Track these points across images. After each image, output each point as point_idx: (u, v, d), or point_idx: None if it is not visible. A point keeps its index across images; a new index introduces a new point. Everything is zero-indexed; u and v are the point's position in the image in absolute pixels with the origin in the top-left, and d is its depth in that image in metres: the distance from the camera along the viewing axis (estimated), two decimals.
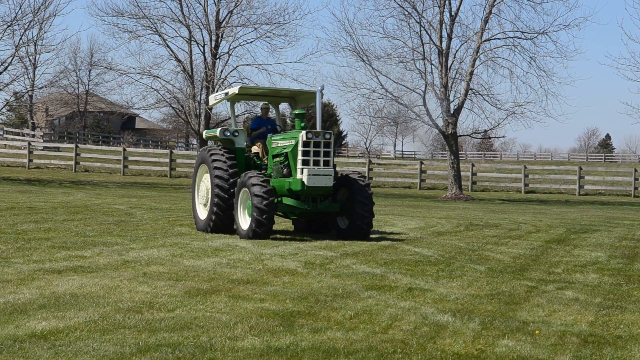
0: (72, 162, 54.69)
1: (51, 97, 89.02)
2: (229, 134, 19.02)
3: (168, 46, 44.15)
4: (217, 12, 44.25)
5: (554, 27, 44.63)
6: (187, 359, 7.36)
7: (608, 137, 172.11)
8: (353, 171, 19.23)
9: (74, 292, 10.26)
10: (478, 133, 49.68)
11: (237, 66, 44.52)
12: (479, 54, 43.89)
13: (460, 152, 63.10)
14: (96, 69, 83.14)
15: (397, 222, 23.60)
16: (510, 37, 44.46)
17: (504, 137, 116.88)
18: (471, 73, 43.97)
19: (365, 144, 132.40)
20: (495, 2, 43.54)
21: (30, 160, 54.04)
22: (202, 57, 44.42)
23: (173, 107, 47.57)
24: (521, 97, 66.19)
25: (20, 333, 8.04)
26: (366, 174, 51.78)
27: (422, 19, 43.80)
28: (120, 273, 11.95)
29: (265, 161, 19.20)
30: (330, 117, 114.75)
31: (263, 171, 18.62)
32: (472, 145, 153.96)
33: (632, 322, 9.63)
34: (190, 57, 44.39)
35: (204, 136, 20.77)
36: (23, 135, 69.54)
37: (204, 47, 44.38)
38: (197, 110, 44.76)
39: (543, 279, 12.88)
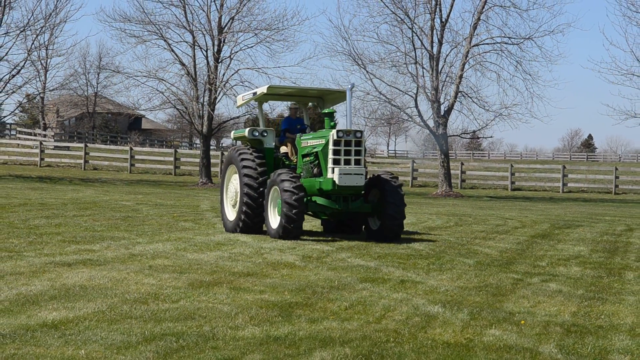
0: (82, 161, 54.67)
1: (62, 99, 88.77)
2: (257, 134, 18.05)
3: (173, 51, 44.14)
4: (219, 19, 44.23)
5: (539, 33, 44.54)
6: (190, 347, 7.36)
7: (590, 137, 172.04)
8: (385, 171, 17.97)
9: (83, 284, 10.26)
10: (467, 133, 49.64)
11: (238, 70, 44.52)
12: (468, 58, 43.87)
13: (450, 152, 63.06)
14: (104, 72, 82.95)
15: None
16: (497, 43, 44.45)
17: (491, 137, 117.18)
18: (460, 76, 43.95)
19: None
20: (484, 9, 43.53)
21: (41, 159, 53.99)
22: (205, 61, 44.40)
23: (177, 109, 47.52)
24: (508, 99, 66.38)
25: (32, 323, 8.05)
26: None
27: (414, 25, 43.79)
28: (127, 266, 11.96)
29: (295, 161, 18.29)
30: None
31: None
32: (462, 145, 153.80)
33: (613, 313, 9.64)
34: (194, 61, 44.39)
35: (232, 137, 19.66)
36: (35, 135, 69.44)
37: (206, 51, 44.38)
38: (200, 112, 44.77)
39: (528, 272, 12.88)
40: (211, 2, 44.23)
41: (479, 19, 43.50)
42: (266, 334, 7.92)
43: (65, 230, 16.51)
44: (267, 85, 18.32)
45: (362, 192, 16.84)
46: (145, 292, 9.92)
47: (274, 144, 18.29)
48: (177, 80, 45.01)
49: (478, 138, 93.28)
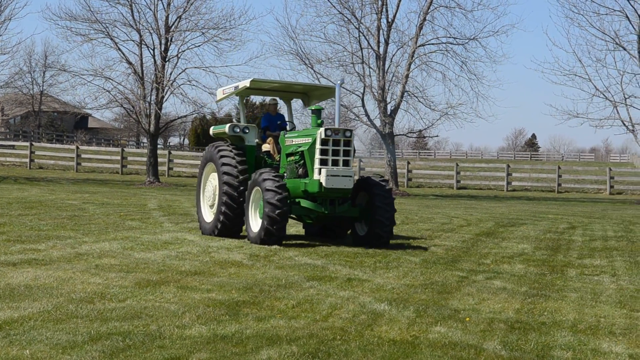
0: (27, 160, 54.05)
1: (6, 98, 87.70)
2: (238, 130, 17.02)
3: (119, 49, 43.79)
4: (167, 17, 43.97)
5: (484, 34, 44.95)
6: (137, 346, 7.30)
7: (534, 136, 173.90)
8: (374, 174, 16.99)
9: (28, 284, 10.14)
10: (413, 133, 49.87)
11: (185, 69, 44.31)
12: (414, 58, 44.09)
13: (396, 151, 63.35)
14: (50, 71, 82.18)
15: None
16: (443, 43, 44.75)
17: (437, 136, 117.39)
18: (407, 76, 44.17)
19: None
20: (429, 10, 43.79)
21: None
22: (152, 59, 44.13)
23: (124, 108, 47.16)
24: (453, 99, 66.75)
25: None
26: None
27: (360, 25, 43.91)
28: (73, 265, 11.83)
29: (278, 160, 17.26)
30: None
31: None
32: (408, 144, 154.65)
33: (555, 310, 9.76)
34: (141, 60, 44.07)
35: (211, 133, 18.23)
36: None
37: (154, 50, 44.08)
38: (148, 110, 44.49)
39: (473, 270, 12.99)
40: (158, 0, 44.00)
41: (424, 19, 43.77)
42: (213, 333, 7.89)
43: (10, 230, 16.28)
44: (250, 79, 16.93)
45: (350, 195, 15.77)
46: (92, 291, 9.83)
47: (256, 141, 17.34)
48: (124, 79, 44.70)
49: (424, 137, 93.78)
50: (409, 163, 56.34)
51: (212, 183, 17.28)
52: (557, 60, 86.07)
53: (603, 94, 43.63)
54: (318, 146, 15.31)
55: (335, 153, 15.38)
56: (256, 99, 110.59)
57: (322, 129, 15.34)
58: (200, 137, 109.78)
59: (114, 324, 8.10)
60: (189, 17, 44.39)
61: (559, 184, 52.05)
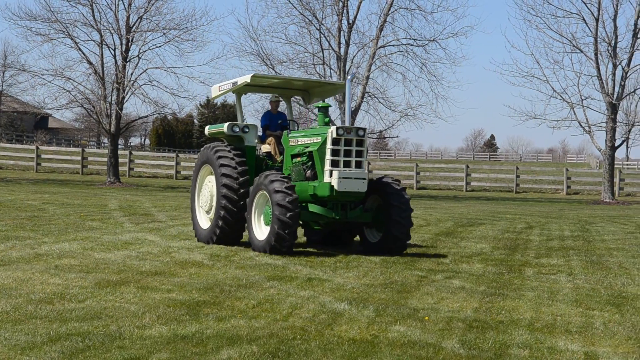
0: None
1: None
2: (238, 129, 15.88)
3: (80, 49, 43.49)
4: (128, 18, 43.74)
5: (444, 35, 45.28)
6: (96, 347, 7.25)
7: (493, 137, 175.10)
8: (385, 175, 15.67)
9: None
10: (374, 133, 50.00)
11: (146, 69, 44.14)
12: (374, 59, 44.20)
13: None
14: (10, 71, 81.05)
15: None
16: (403, 44, 44.90)
17: (397, 137, 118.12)
18: (367, 77, 44.27)
19: None
20: (390, 12, 43.91)
21: None
22: (113, 60, 43.90)
23: (85, 108, 46.84)
24: (413, 100, 67.28)
25: None
26: None
27: (321, 26, 43.95)
28: (32, 266, 11.72)
29: (279, 161, 16.04)
30: (235, 118, 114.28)
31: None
32: (368, 145, 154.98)
33: (513, 308, 9.83)
34: (102, 60, 43.81)
35: (206, 132, 16.99)
36: None
37: (114, 50, 43.87)
38: (108, 111, 44.24)
39: (432, 269, 13.04)
40: (119, 1, 43.82)
41: (385, 21, 43.89)
42: (173, 333, 7.85)
43: None
44: (251, 74, 15.68)
45: (362, 199, 14.77)
46: (51, 292, 9.74)
47: (256, 141, 16.21)
48: (85, 79, 44.44)
49: (384, 138, 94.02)
50: (369, 164, 56.49)
51: (208, 187, 16.10)
52: (516, 62, 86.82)
53: (560, 96, 44.09)
54: (329, 146, 14.21)
55: (347, 154, 14.29)
56: (218, 100, 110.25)
57: (333, 128, 14.24)
58: (162, 137, 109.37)
59: (74, 325, 8.03)
60: (150, 17, 44.26)
61: (517, 184, 52.46)
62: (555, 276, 12.80)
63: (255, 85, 16.86)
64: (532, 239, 19.15)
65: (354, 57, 45.05)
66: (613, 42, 43.04)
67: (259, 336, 7.86)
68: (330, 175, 14.11)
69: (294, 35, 45.78)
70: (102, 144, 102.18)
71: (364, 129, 14.43)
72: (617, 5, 42.88)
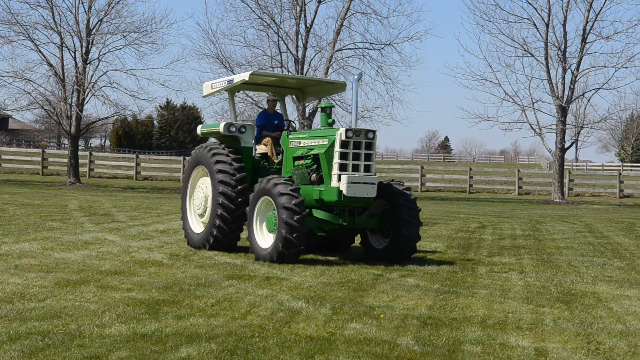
0: None
1: None
2: (235, 129, 14.91)
3: (40, 51, 43.04)
4: (88, 20, 43.40)
5: (399, 39, 45.58)
6: (56, 346, 7.19)
7: (447, 139, 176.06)
8: (391, 180, 14.70)
9: None
10: None
11: (106, 71, 43.84)
12: (331, 62, 44.23)
13: None
14: None
15: None
16: (359, 48, 44.96)
17: None
18: None
19: None
20: (346, 16, 43.96)
21: None
22: (74, 62, 43.53)
23: (45, 109, 46.37)
24: (369, 103, 67.05)
25: None
26: None
27: (279, 29, 43.89)
28: None
29: (277, 163, 15.13)
30: (195, 120, 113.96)
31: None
32: None
33: (466, 306, 9.89)
34: (62, 62, 43.43)
35: (198, 132, 16.04)
36: None
37: (75, 52, 43.50)
38: (68, 112, 43.86)
39: (387, 268, 13.07)
40: (79, 4, 43.39)
41: (342, 25, 43.94)
42: (133, 331, 7.81)
43: None
44: (250, 72, 14.77)
45: (371, 204, 13.94)
46: (11, 291, 9.64)
47: (253, 142, 15.26)
48: (45, 81, 44.16)
49: None
50: None
51: (202, 189, 15.19)
52: (469, 66, 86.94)
53: (512, 99, 44.42)
54: (337, 149, 13.26)
55: (356, 157, 13.35)
56: (177, 101, 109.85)
57: (342, 130, 13.29)
58: (122, 138, 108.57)
59: (34, 324, 7.95)
60: (110, 20, 43.96)
61: (470, 185, 52.79)
62: (507, 274, 12.91)
63: (251, 84, 16.06)
64: (484, 238, 19.29)
65: (311, 60, 45.08)
66: (563, 46, 43.49)
67: (218, 334, 7.84)
68: (339, 179, 13.21)
69: (253, 39, 45.77)
70: (63, 145, 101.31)
71: (374, 131, 13.52)
72: (566, 11, 43.35)
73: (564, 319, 9.26)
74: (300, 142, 14.44)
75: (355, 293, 10.52)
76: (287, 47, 44.32)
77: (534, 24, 43.74)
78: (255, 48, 44.55)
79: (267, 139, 15.44)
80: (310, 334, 8.03)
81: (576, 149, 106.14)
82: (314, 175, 13.95)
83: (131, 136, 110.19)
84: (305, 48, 44.38)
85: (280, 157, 15.14)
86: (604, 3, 43.15)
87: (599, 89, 44.46)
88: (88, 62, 43.48)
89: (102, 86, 43.77)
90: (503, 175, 58.25)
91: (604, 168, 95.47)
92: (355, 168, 13.28)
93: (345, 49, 45.29)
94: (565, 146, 44.88)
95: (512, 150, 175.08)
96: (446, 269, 13.26)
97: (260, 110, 16.40)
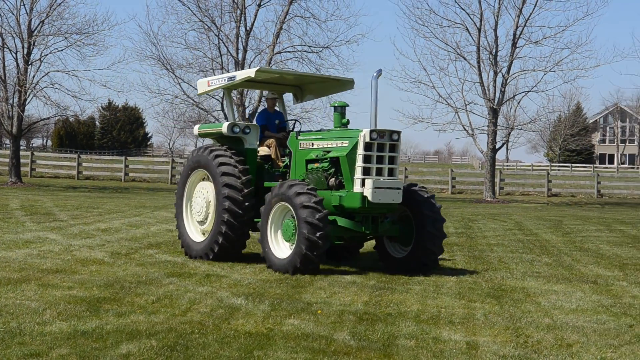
0: None
1: None
2: (239, 130, 13.65)
3: None
4: (29, 22, 42.72)
5: (337, 43, 45.37)
6: None
7: None
8: (414, 184, 13.32)
9: None
10: None
11: (48, 72, 43.18)
12: (271, 65, 44.20)
13: None
14: None
15: None
16: (298, 51, 44.96)
17: None
18: None
19: (169, 144, 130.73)
20: (286, 19, 43.95)
21: None
22: (15, 63, 42.82)
23: None
24: (308, 104, 67.25)
25: None
26: (169, 172, 51.20)
27: (220, 32, 43.70)
28: None
29: (281, 166, 14.04)
30: (137, 120, 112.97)
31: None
32: None
33: (400, 302, 9.96)
34: (3, 63, 42.71)
35: (196, 132, 14.80)
36: None
37: (16, 53, 42.77)
38: (10, 113, 43.15)
39: (325, 265, 13.09)
40: (21, 5, 42.68)
41: (281, 28, 43.92)
42: (74, 329, 7.72)
43: None
44: (256, 69, 13.67)
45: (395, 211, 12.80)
46: None
47: (257, 144, 14.02)
48: None
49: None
50: None
51: (203, 194, 13.87)
52: (404, 69, 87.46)
53: (446, 101, 44.78)
54: (360, 152, 12.10)
55: (380, 160, 12.23)
56: (119, 102, 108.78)
57: (366, 131, 12.12)
58: (63, 138, 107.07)
59: None
60: (52, 21, 43.28)
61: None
62: (440, 271, 13.01)
63: (251, 81, 15.03)
64: None
65: (251, 62, 44.96)
66: (494, 50, 43.97)
67: (158, 331, 7.79)
68: (362, 184, 12.04)
69: (194, 41, 45.52)
70: (4, 145, 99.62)
71: (399, 132, 12.36)
72: (497, 17, 43.81)
73: (494, 314, 9.37)
74: (312, 144, 13.24)
75: (294, 290, 10.53)
76: (228, 49, 44.16)
77: (467, 29, 44.18)
78: (196, 50, 44.31)
79: (271, 140, 14.34)
80: (249, 330, 8.02)
81: (507, 149, 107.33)
82: (333, 179, 12.79)
83: (73, 136, 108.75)
84: (245, 50, 44.26)
85: (285, 159, 14.03)
86: (533, 9, 43.73)
87: (528, 91, 45.11)
88: (30, 63, 42.81)
89: (43, 87, 43.13)
90: (437, 175, 58.72)
91: (534, 168, 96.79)
92: (379, 172, 12.20)
93: (285, 52, 45.25)
94: (497, 147, 45.40)
95: (446, 151, 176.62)
96: (382, 265, 13.31)
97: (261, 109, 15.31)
